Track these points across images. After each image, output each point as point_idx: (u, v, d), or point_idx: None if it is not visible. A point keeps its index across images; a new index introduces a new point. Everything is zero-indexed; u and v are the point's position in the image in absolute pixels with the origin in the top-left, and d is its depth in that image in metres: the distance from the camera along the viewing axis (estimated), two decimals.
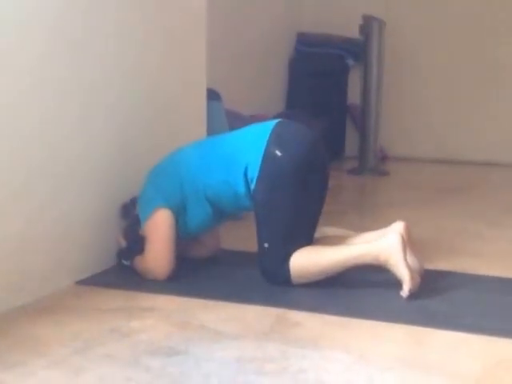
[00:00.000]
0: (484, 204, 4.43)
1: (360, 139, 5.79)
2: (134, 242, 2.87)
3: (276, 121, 2.85)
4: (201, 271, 2.94)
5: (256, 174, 2.71)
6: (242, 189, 2.75)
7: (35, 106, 2.56)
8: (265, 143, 2.73)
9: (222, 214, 2.93)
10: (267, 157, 2.70)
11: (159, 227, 2.79)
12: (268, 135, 2.74)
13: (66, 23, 2.69)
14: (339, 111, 6.24)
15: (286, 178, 2.69)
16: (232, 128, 3.22)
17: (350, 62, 6.19)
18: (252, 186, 2.73)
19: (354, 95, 6.11)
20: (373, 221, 3.61)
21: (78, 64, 2.76)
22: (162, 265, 2.78)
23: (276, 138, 2.74)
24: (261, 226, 2.74)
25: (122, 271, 2.90)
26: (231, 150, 2.81)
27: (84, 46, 2.78)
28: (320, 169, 2.80)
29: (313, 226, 2.82)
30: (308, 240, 2.77)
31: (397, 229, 2.72)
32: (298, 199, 2.71)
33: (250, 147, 2.76)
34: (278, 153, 2.70)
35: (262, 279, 2.75)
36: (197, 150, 2.90)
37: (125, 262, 2.90)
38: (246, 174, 2.73)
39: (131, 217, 2.91)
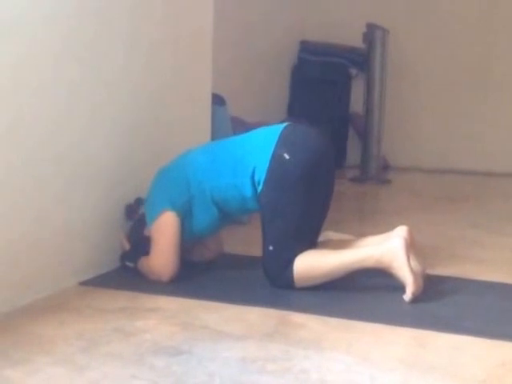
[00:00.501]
0: (484, 212, 4.45)
1: (362, 148, 5.80)
2: (139, 243, 2.88)
3: (285, 124, 2.85)
4: (204, 273, 2.95)
5: (263, 176, 2.71)
6: (248, 191, 2.76)
7: (45, 110, 2.58)
8: (273, 146, 2.73)
9: (227, 216, 2.93)
10: (275, 159, 2.71)
11: (165, 229, 2.80)
12: (276, 138, 2.75)
13: (76, 34, 2.72)
14: (341, 120, 6.26)
15: (292, 181, 2.69)
16: (235, 134, 3.23)
17: (353, 70, 6.21)
18: (259, 189, 2.73)
19: (356, 104, 6.13)
20: (374, 228, 3.62)
21: (88, 71, 2.79)
22: (166, 266, 2.79)
23: (284, 141, 2.74)
24: (266, 229, 2.74)
25: (125, 273, 2.91)
26: (239, 152, 2.82)
27: (93, 53, 2.81)
28: (327, 173, 2.82)
29: (317, 230, 2.83)
30: (312, 243, 2.79)
31: (400, 233, 2.71)
32: (304, 202, 2.71)
33: (258, 150, 2.77)
34: (286, 156, 2.71)
35: (266, 282, 2.76)
36: (204, 153, 2.91)
37: (129, 264, 2.91)
38: (253, 177, 2.74)
39: (136, 217, 2.93)
